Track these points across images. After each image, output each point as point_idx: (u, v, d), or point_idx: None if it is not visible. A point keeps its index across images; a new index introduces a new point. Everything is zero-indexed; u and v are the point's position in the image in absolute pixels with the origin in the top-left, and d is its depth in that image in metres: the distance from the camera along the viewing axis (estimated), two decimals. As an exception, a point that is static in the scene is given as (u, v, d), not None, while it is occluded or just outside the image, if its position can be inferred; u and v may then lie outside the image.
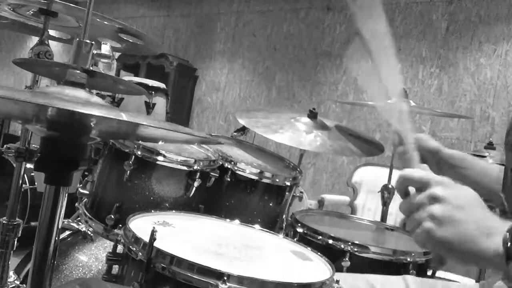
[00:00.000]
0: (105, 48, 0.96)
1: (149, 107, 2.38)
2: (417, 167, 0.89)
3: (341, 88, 4.30)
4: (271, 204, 1.59)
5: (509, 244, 0.65)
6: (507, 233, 0.66)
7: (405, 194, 0.77)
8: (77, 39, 0.79)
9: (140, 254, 0.99)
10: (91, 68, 0.79)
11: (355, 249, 1.38)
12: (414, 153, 0.87)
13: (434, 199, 0.71)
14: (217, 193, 1.51)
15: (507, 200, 1.03)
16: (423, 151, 1.22)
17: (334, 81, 4.35)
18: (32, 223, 2.29)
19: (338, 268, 1.23)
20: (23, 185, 1.53)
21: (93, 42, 0.80)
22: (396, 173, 1.48)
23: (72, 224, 1.75)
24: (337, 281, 1.03)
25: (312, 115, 1.71)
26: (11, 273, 1.56)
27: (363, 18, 0.87)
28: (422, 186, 0.74)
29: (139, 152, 1.38)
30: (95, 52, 0.81)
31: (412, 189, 0.76)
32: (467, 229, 0.68)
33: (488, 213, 0.71)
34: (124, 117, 0.58)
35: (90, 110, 0.58)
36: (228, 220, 1.38)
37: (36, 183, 3.13)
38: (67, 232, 1.73)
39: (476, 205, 0.72)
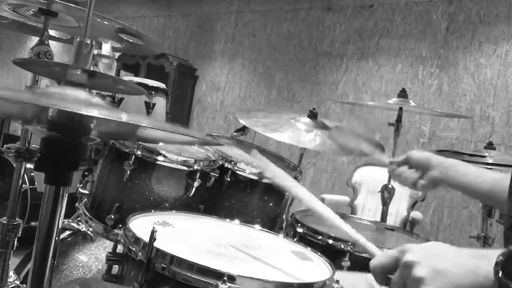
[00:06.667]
0: (106, 47, 0.96)
1: (149, 107, 2.38)
2: None
3: (341, 88, 4.30)
4: (271, 204, 1.59)
5: (500, 274, 0.66)
6: (496, 265, 0.67)
7: (386, 282, 0.79)
8: (78, 39, 0.78)
9: (140, 254, 0.99)
10: (91, 68, 0.79)
11: (355, 249, 1.38)
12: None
13: (411, 266, 0.73)
14: (217, 193, 1.51)
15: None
16: (415, 165, 1.30)
17: (334, 81, 4.35)
18: (32, 223, 2.29)
19: (338, 268, 1.23)
20: (23, 185, 1.53)
21: (93, 42, 0.80)
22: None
23: (72, 224, 1.75)
24: (337, 281, 1.03)
25: (312, 115, 1.71)
26: (11, 273, 1.56)
27: None
28: (394, 265, 0.76)
29: (139, 152, 1.38)
30: (95, 52, 0.81)
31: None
32: (455, 274, 0.70)
33: (461, 249, 0.74)
34: (124, 118, 0.58)
35: (91, 111, 0.58)
36: (228, 220, 1.38)
37: (36, 183, 3.13)
38: (67, 232, 1.73)
39: (447, 249, 0.74)
